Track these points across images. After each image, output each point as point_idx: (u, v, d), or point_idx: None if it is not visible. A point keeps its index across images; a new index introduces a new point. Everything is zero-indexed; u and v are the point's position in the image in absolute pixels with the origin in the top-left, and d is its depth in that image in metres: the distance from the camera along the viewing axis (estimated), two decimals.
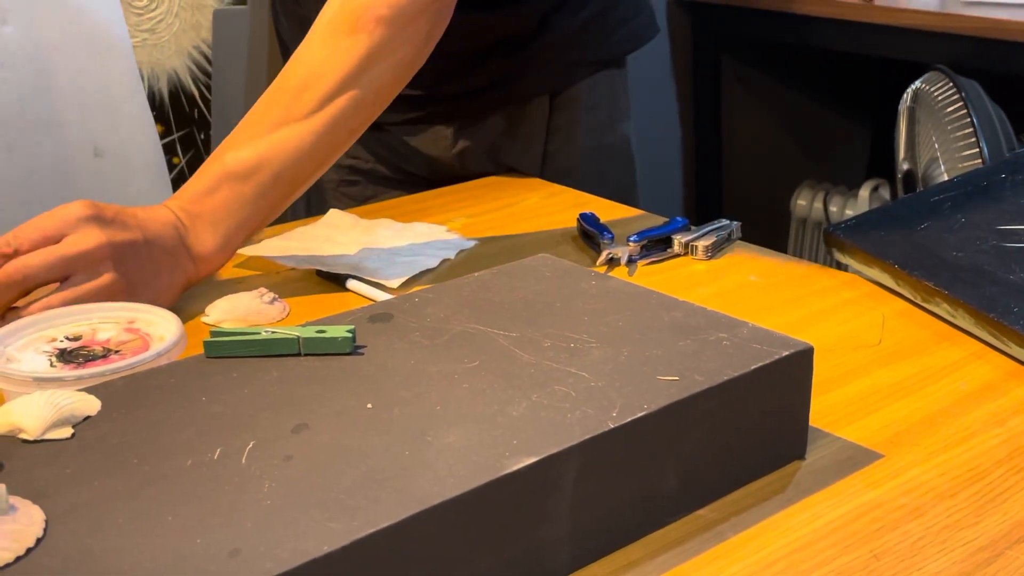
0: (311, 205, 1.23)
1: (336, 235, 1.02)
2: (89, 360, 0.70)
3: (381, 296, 0.88)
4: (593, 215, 1.02)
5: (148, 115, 1.38)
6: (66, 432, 0.56)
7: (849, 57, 2.54)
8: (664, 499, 0.58)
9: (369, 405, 0.57)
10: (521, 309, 0.68)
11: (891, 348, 0.79)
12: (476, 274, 0.75)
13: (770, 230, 2.63)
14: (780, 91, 2.79)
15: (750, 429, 0.61)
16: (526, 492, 0.52)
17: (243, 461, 0.53)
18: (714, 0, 2.52)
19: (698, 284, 0.91)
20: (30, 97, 1.26)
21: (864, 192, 2.48)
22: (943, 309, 0.82)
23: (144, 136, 1.37)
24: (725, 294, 0.89)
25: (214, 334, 0.64)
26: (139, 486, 0.51)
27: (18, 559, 0.46)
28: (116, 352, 0.72)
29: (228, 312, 0.85)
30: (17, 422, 0.56)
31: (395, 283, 0.92)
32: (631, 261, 0.95)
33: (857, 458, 0.65)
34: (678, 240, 0.97)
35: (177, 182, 2.05)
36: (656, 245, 0.97)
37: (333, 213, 1.07)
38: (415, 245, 1.00)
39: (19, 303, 0.80)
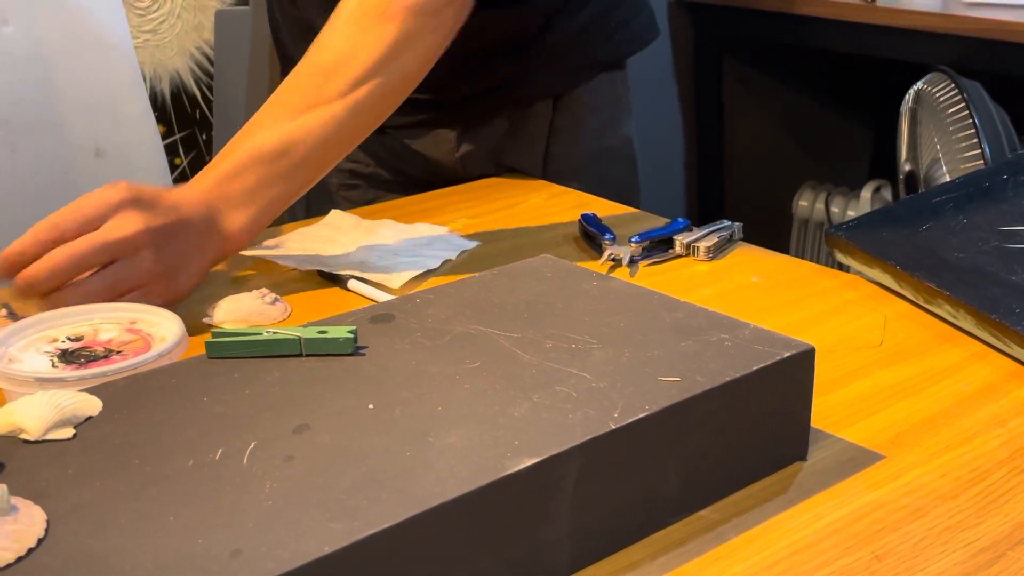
0: (311, 207, 1.23)
1: (338, 236, 1.02)
2: (91, 360, 0.71)
3: (382, 297, 0.88)
4: (595, 216, 1.02)
5: (150, 116, 1.38)
6: (67, 432, 0.56)
7: (851, 58, 2.54)
8: (665, 500, 0.58)
9: (370, 406, 0.57)
10: (522, 310, 0.68)
11: (893, 349, 0.79)
12: (478, 275, 0.75)
13: (772, 231, 2.63)
14: (782, 92, 2.79)
15: (752, 430, 0.61)
16: (527, 493, 0.52)
17: (244, 461, 0.53)
18: (715, 1, 2.52)
19: (700, 285, 0.91)
20: (32, 98, 1.26)
21: (866, 193, 2.48)
22: (945, 310, 0.82)
23: (146, 137, 1.37)
24: (727, 295, 0.89)
25: (216, 335, 0.64)
26: (141, 486, 0.51)
27: (19, 559, 0.46)
28: (118, 352, 0.72)
29: (230, 313, 0.85)
30: (18, 422, 0.56)
31: (397, 284, 0.92)
32: (633, 262, 0.95)
33: (859, 459, 0.65)
34: (680, 241, 0.97)
35: (179, 183, 2.05)
36: (658, 246, 0.97)
37: (335, 214, 1.07)
38: (417, 246, 1.00)
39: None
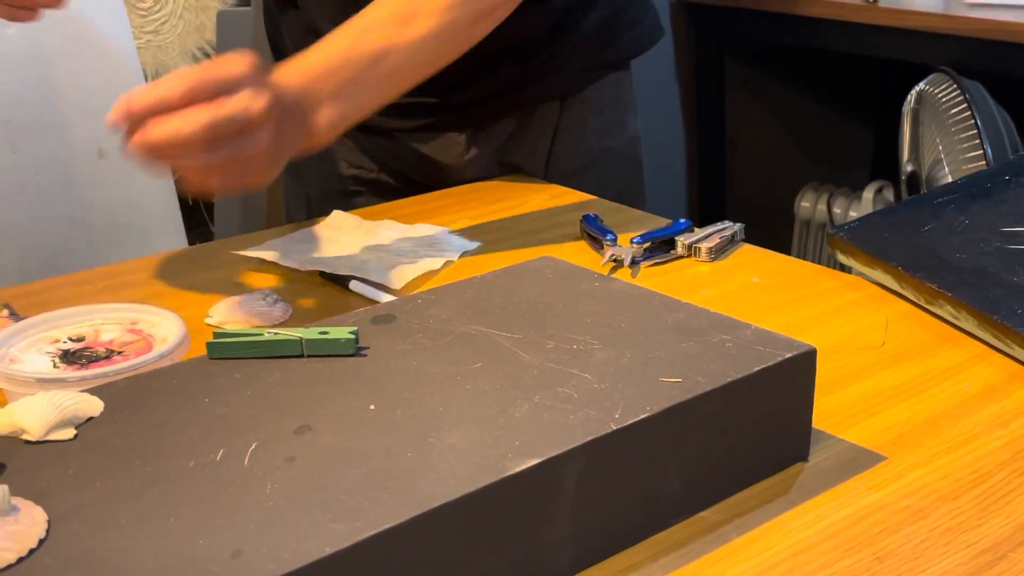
0: (312, 210, 1.23)
1: (339, 236, 1.02)
2: (92, 361, 0.71)
3: (384, 297, 0.88)
4: (596, 217, 1.02)
5: None
6: (69, 433, 0.56)
7: (853, 58, 2.54)
8: (667, 500, 0.58)
9: (372, 406, 0.57)
10: (524, 311, 0.68)
11: (894, 350, 0.79)
12: (479, 275, 0.75)
13: (773, 232, 2.63)
14: (783, 92, 2.79)
15: (753, 431, 0.61)
16: (528, 493, 0.52)
17: (246, 462, 0.53)
18: (717, 2, 2.52)
19: (701, 286, 0.91)
20: (33, 98, 1.26)
21: (868, 194, 2.48)
22: (946, 311, 0.82)
23: None
24: (728, 296, 0.89)
25: (217, 335, 0.64)
26: (142, 487, 0.51)
27: (20, 560, 0.46)
28: (119, 353, 0.72)
29: (231, 314, 0.85)
30: (20, 423, 0.56)
31: (398, 284, 0.92)
32: (634, 263, 0.95)
33: (860, 460, 0.65)
34: (681, 242, 0.97)
35: (180, 182, 2.05)
36: (659, 247, 0.97)
37: (336, 215, 1.07)
38: (418, 246, 1.00)
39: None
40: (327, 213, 1.07)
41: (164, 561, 0.46)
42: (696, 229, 0.99)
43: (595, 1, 1.18)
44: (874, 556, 0.56)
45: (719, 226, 1.00)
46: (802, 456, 0.65)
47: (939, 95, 1.92)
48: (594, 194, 1.16)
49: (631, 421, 0.55)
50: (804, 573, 0.55)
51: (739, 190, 2.77)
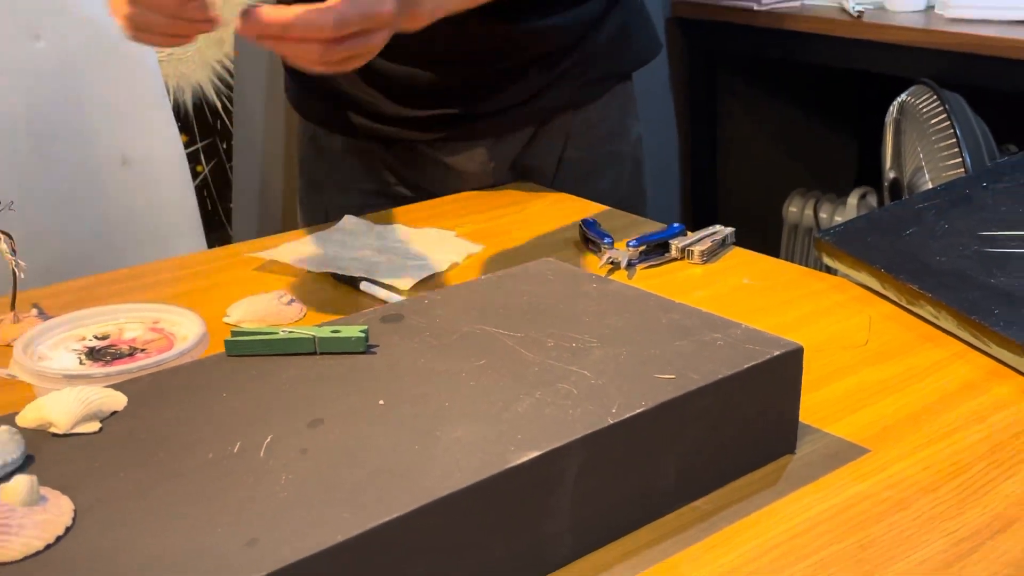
0: (329, 215, 1.23)
1: (350, 240, 1.02)
2: (116, 358, 0.71)
3: (393, 298, 0.88)
4: (594, 221, 1.02)
5: (173, 126, 1.38)
6: (94, 426, 0.56)
7: (838, 71, 2.54)
8: (661, 491, 0.58)
9: (381, 402, 0.57)
10: (526, 311, 0.68)
11: (877, 348, 0.79)
12: (483, 277, 0.75)
13: (763, 236, 2.63)
14: (772, 103, 2.79)
15: (743, 425, 0.61)
16: (530, 484, 0.52)
17: (261, 455, 0.53)
18: (709, 17, 2.52)
19: (694, 287, 0.91)
20: (62, 109, 1.26)
21: (852, 200, 2.48)
22: (927, 311, 0.81)
23: (170, 145, 1.37)
24: (720, 297, 0.89)
25: (235, 334, 0.64)
26: (163, 478, 0.51)
27: (48, 547, 0.46)
28: (142, 351, 0.72)
29: (248, 313, 0.85)
30: (47, 417, 0.56)
31: (406, 285, 0.92)
32: (630, 265, 0.95)
33: (845, 453, 0.64)
34: (675, 245, 0.97)
35: (201, 189, 2.05)
36: (654, 250, 0.97)
37: (348, 219, 1.07)
38: (425, 250, 0.99)
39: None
40: (340, 214, 1.07)
41: (184, 548, 0.45)
42: (689, 233, 0.99)
43: (610, 12, 1.18)
44: (858, 544, 0.56)
45: (711, 230, 1.00)
46: (790, 449, 0.65)
47: (920, 106, 1.91)
48: (602, 195, 1.16)
49: (627, 416, 0.55)
50: (792, 560, 0.55)
51: (730, 196, 2.77)
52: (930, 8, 2.27)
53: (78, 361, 0.71)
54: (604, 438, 0.54)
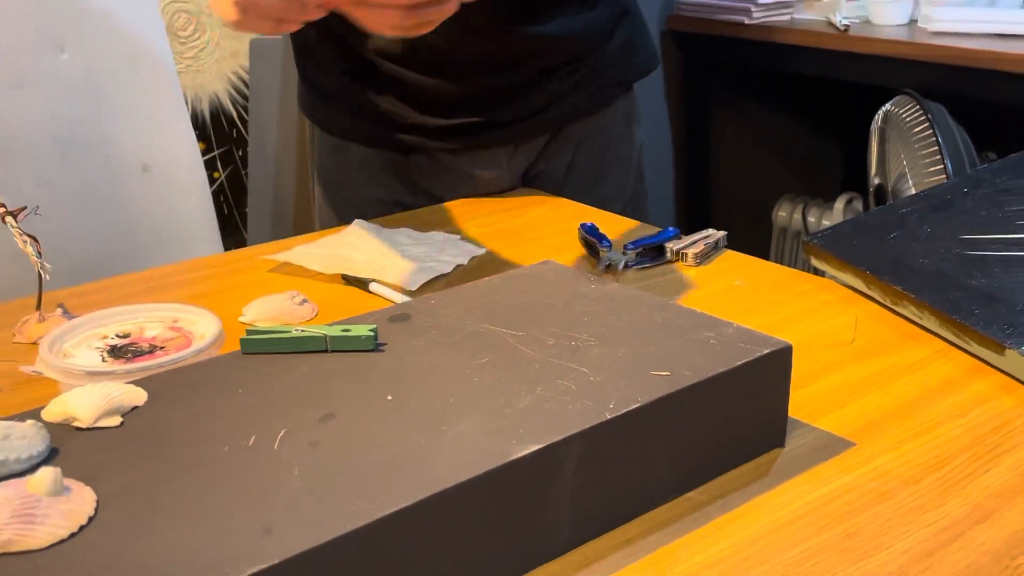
0: (344, 218, 1.22)
1: (360, 243, 1.02)
2: (137, 355, 0.71)
3: (401, 298, 0.88)
4: (593, 225, 1.02)
5: (191, 134, 1.38)
6: (116, 421, 0.56)
7: (826, 82, 2.54)
8: (656, 482, 0.58)
9: (389, 397, 0.57)
10: (527, 311, 0.68)
11: (863, 346, 0.79)
12: (487, 279, 0.75)
13: (753, 239, 2.63)
14: (763, 113, 2.79)
15: (735, 419, 0.61)
16: (531, 477, 0.52)
17: (275, 447, 0.53)
18: (703, 31, 2.52)
19: (688, 288, 0.91)
20: (85, 117, 1.26)
21: (839, 204, 2.48)
22: (910, 311, 0.81)
23: (188, 153, 1.37)
24: (712, 297, 0.89)
25: (250, 332, 0.64)
26: (181, 470, 0.51)
27: (72, 536, 0.46)
28: (161, 348, 0.72)
29: (262, 312, 0.85)
30: (72, 411, 0.56)
31: (413, 286, 0.92)
32: (627, 267, 0.95)
33: (831, 446, 0.64)
34: (670, 248, 0.97)
35: (218, 195, 2.05)
36: (650, 252, 0.97)
37: (357, 223, 1.07)
38: (432, 252, 0.99)
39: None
40: (352, 218, 1.07)
41: (202, 537, 0.46)
42: (683, 236, 0.99)
43: (620, 23, 1.17)
44: (844, 533, 0.56)
45: (704, 234, 1.00)
46: (779, 442, 0.65)
47: (904, 115, 1.92)
48: (608, 199, 1.16)
49: (624, 411, 0.55)
50: (781, 548, 0.55)
51: (722, 200, 2.77)
52: (913, 22, 2.27)
53: (101, 358, 0.71)
54: (602, 432, 0.54)
